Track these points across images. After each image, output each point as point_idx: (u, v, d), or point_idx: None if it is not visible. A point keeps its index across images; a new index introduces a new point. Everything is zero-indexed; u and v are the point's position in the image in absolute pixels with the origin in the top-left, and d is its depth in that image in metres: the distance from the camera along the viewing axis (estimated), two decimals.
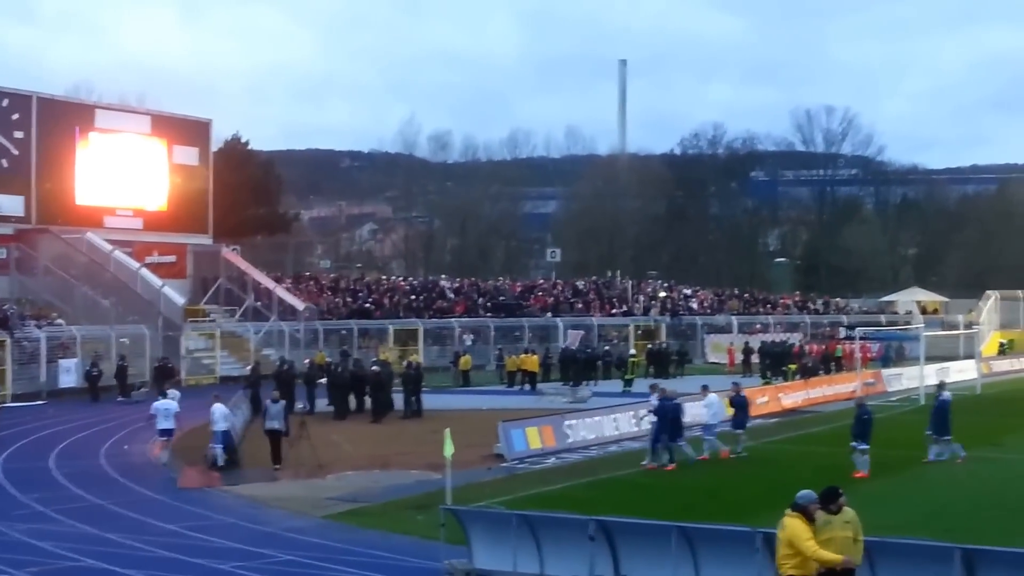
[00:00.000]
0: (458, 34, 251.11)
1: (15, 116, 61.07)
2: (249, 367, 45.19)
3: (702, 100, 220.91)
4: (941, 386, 30.69)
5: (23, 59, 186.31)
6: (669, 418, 28.21)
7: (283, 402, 29.31)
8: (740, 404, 31.16)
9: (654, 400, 29.37)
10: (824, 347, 62.30)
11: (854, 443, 26.47)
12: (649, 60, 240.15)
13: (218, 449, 28.76)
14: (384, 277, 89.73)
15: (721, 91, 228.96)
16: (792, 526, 12.36)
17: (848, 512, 12.59)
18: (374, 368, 41.74)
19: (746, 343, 63.93)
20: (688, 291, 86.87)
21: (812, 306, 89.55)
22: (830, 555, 12.25)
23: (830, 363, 58.70)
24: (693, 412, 32.11)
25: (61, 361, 50.23)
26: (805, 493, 12.62)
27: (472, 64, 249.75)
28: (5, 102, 60.75)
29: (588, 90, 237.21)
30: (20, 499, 24.79)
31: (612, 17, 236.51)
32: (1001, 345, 78.41)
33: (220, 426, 29.20)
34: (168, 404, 30.51)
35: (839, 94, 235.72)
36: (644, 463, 28.15)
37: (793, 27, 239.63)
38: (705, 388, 31.95)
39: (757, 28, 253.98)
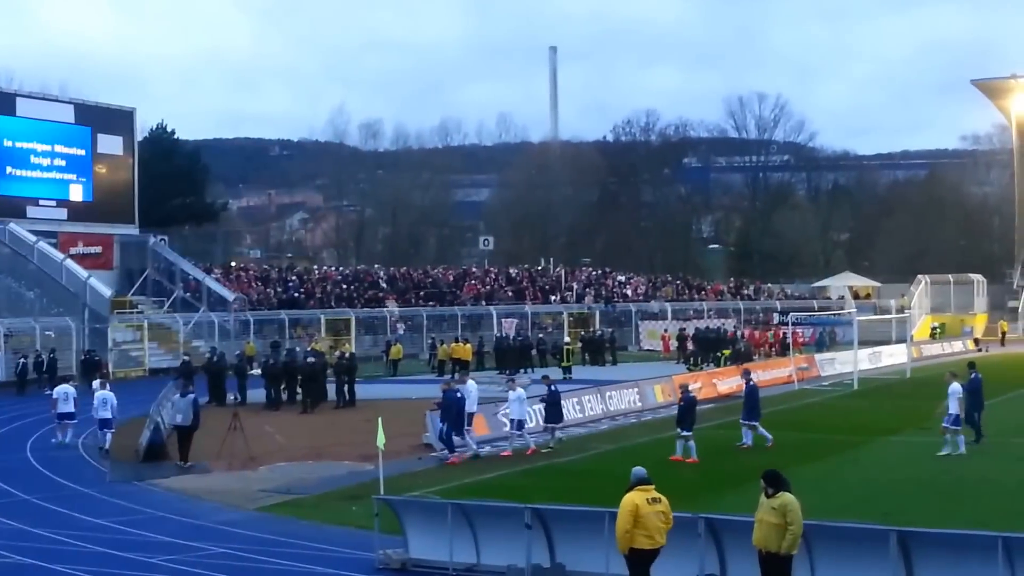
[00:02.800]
0: (396, 20, 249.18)
1: None
2: (183, 359, 44.61)
3: (641, 86, 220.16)
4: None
5: None
6: (455, 411, 27.77)
7: (192, 395, 28.84)
8: (553, 400, 30.06)
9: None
10: (766, 333, 62.74)
11: (679, 429, 26.82)
12: (589, 46, 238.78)
13: (107, 435, 29.80)
14: (315, 267, 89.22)
15: (662, 77, 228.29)
16: (623, 501, 13.51)
17: (781, 498, 12.71)
18: (308, 359, 41.41)
19: (681, 330, 64.12)
20: (622, 278, 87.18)
21: (745, 292, 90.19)
22: (620, 533, 13.45)
23: (772, 348, 59.10)
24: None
25: None
26: (635, 470, 13.89)
27: (408, 50, 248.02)
28: None
29: (524, 77, 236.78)
30: None
31: (552, 2, 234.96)
32: (933, 329, 79.38)
33: (100, 414, 29.92)
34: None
35: (781, 80, 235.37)
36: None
37: (737, 11, 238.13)
38: (545, 378, 31.60)
39: (700, 12, 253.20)
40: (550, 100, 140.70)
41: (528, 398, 29.70)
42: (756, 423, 28.82)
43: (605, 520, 14.81)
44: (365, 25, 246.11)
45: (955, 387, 27.48)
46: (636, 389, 38.40)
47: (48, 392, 45.30)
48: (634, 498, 13.58)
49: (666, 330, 67.66)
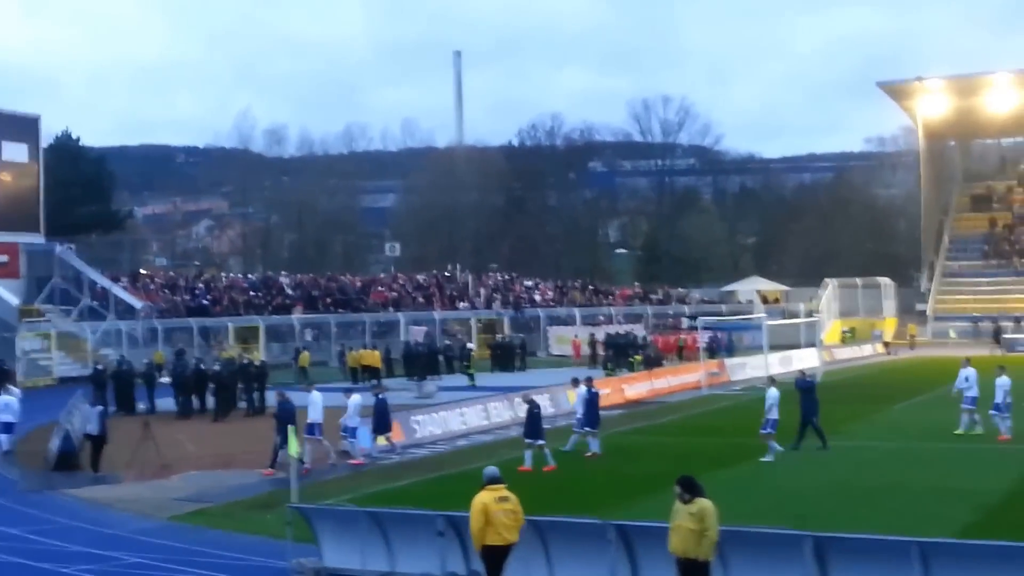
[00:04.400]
0: (302, 23, 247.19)
1: None
2: (95, 368, 44.08)
3: (548, 90, 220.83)
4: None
5: None
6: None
7: (100, 406, 28.71)
8: (380, 409, 29.60)
9: None
10: (672, 339, 63.39)
11: (528, 440, 26.79)
12: (496, 49, 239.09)
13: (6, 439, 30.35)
14: (222, 274, 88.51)
15: (569, 81, 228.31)
16: (473, 501, 14.16)
17: (698, 504, 12.83)
18: (215, 367, 41.28)
19: (591, 335, 64.53)
20: (529, 283, 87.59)
21: (654, 297, 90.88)
22: (474, 532, 14.03)
23: (677, 354, 59.79)
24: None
25: None
26: (487, 469, 14.62)
27: (315, 55, 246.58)
28: None
29: (430, 81, 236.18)
30: None
31: (459, 4, 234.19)
32: (844, 333, 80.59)
33: (2, 417, 30.74)
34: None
35: (691, 82, 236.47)
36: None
37: (648, 12, 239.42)
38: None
39: (611, 14, 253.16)
40: (455, 104, 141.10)
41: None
42: (597, 430, 28.97)
43: (528, 529, 14.86)
44: (272, 29, 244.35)
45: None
46: (548, 394, 38.52)
47: None
48: (483, 497, 14.16)
49: (576, 335, 68.05)
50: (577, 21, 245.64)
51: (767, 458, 26.95)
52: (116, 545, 19.47)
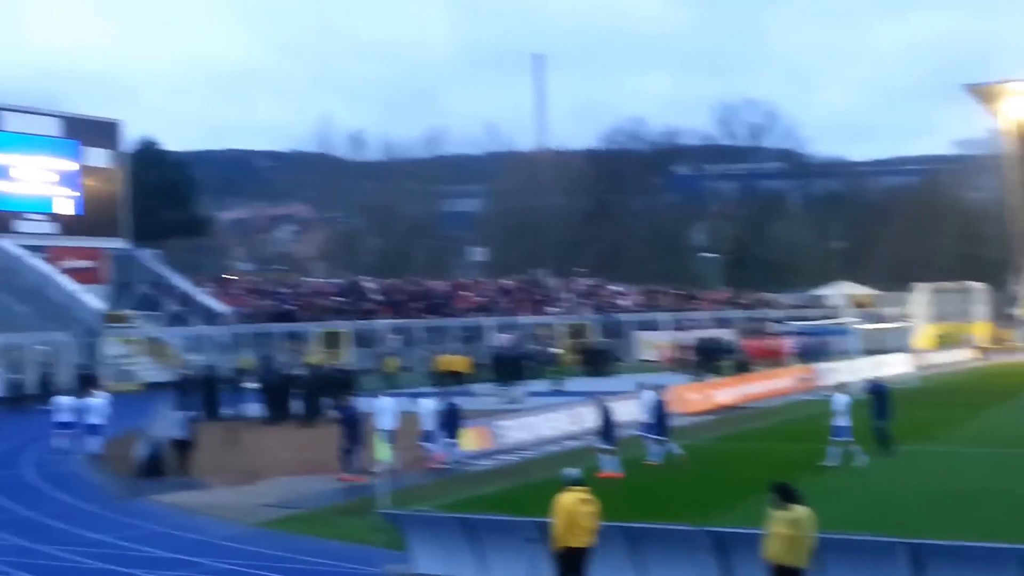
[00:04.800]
0: (384, 27, 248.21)
1: None
2: (184, 372, 44.28)
3: (631, 93, 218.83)
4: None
5: None
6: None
7: (187, 412, 28.74)
8: (450, 414, 29.10)
9: None
10: (762, 343, 62.46)
11: (600, 443, 26.60)
12: (579, 52, 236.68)
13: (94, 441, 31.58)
14: (307, 279, 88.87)
15: (652, 84, 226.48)
16: (556, 502, 14.30)
17: (796, 511, 12.74)
18: (300, 372, 41.26)
19: (679, 339, 63.77)
20: (616, 288, 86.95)
21: (742, 301, 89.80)
22: (555, 533, 14.18)
23: (769, 359, 58.89)
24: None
25: None
26: (569, 471, 14.81)
27: (396, 58, 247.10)
28: None
29: (512, 85, 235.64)
30: None
31: (541, 8, 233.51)
32: (940, 338, 78.91)
33: (90, 420, 32.03)
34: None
35: (775, 85, 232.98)
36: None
37: (731, 16, 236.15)
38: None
39: (693, 17, 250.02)
40: (537, 108, 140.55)
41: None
42: (665, 438, 28.48)
43: (616, 536, 14.80)
44: (352, 34, 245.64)
45: None
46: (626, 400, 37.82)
47: (45, 408, 45.41)
48: (566, 499, 14.29)
49: (665, 340, 67.33)
50: (659, 24, 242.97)
51: (830, 462, 26.42)
52: (204, 551, 19.43)
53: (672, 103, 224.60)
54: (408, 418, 28.71)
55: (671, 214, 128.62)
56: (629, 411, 30.42)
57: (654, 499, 23.16)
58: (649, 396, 29.04)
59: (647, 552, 14.87)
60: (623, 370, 60.09)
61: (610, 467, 25.78)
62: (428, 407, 28.86)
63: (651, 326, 74.86)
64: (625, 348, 70.75)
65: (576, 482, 14.58)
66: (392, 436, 27.75)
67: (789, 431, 34.88)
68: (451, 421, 28.76)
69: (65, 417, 33.73)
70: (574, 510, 14.20)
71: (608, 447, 26.43)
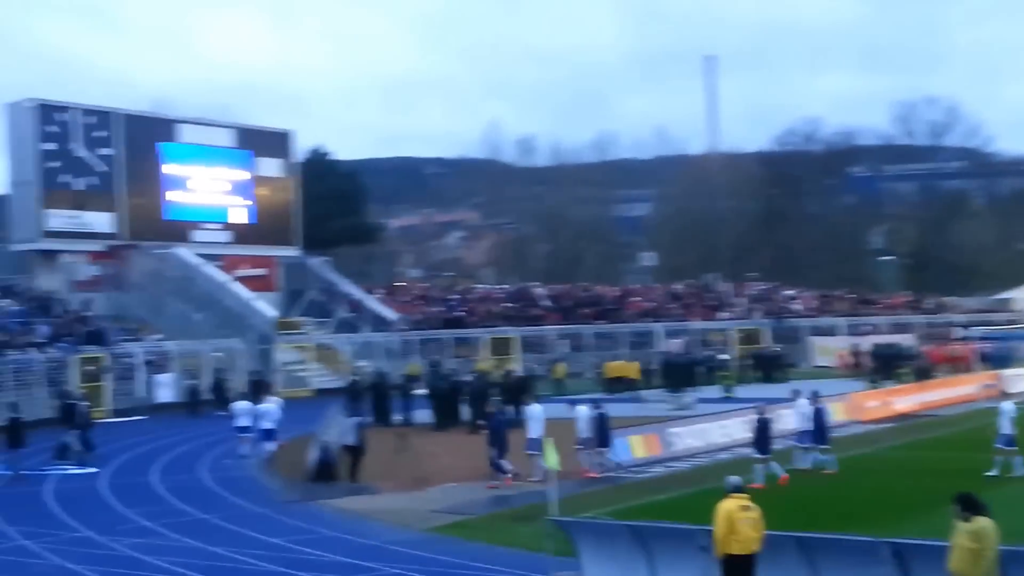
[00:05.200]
0: (551, 31, 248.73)
1: (102, 134, 61.38)
2: (355, 379, 44.75)
3: (805, 93, 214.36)
4: None
5: (111, 73, 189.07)
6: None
7: (357, 418, 28.98)
8: (600, 423, 28.63)
9: None
10: (944, 349, 60.37)
11: (757, 455, 26.13)
12: (750, 53, 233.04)
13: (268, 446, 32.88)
14: (475, 285, 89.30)
15: (826, 83, 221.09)
16: (717, 508, 14.40)
17: (978, 522, 12.24)
18: (469, 378, 41.31)
19: (856, 345, 62.14)
20: (790, 292, 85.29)
21: (922, 306, 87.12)
22: (717, 539, 14.19)
23: (952, 365, 56.90)
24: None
25: (157, 376, 50.33)
26: (730, 478, 15.10)
27: (563, 62, 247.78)
28: (91, 120, 60.98)
29: (681, 87, 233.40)
30: (125, 514, 25.06)
31: (715, 7, 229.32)
32: None
33: (263, 425, 33.31)
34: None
35: (957, 81, 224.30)
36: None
37: (910, 11, 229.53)
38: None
39: (870, 14, 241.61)
40: (707, 110, 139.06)
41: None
42: (826, 446, 27.85)
43: (790, 546, 14.51)
44: (520, 39, 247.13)
45: None
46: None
47: (219, 413, 46.45)
48: (727, 505, 14.37)
49: (841, 346, 65.65)
50: (834, 21, 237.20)
51: (992, 472, 25.45)
52: (374, 556, 19.68)
53: (848, 102, 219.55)
54: (566, 425, 28.40)
55: (847, 216, 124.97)
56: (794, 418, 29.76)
57: (829, 507, 22.79)
58: (804, 404, 28.49)
59: (822, 562, 14.38)
60: (797, 376, 58.66)
61: (759, 478, 25.28)
62: (584, 414, 28.61)
63: (826, 331, 73.07)
64: (799, 354, 69.14)
65: (737, 489, 14.72)
66: (538, 444, 27.59)
67: (971, 440, 33.43)
68: (601, 430, 28.53)
69: (243, 421, 34.70)
70: (734, 517, 14.24)
71: (763, 456, 26.02)
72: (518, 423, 30.88)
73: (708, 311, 76.28)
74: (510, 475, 27.02)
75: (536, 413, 28.56)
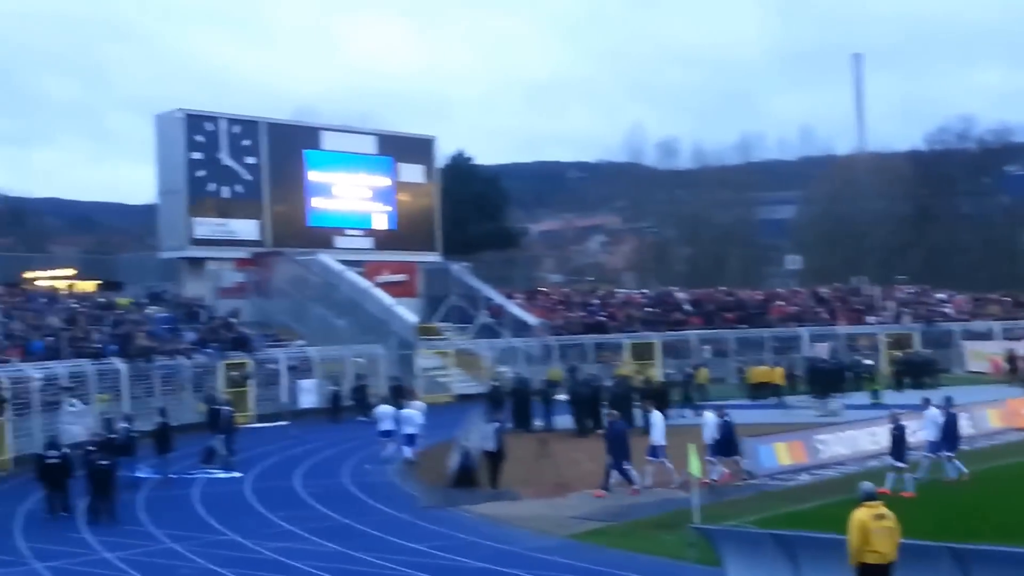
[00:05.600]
0: (693, 32, 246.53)
1: (246, 143, 62.68)
2: (495, 384, 44.74)
3: (957, 90, 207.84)
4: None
5: (256, 83, 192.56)
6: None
7: (498, 423, 28.93)
8: (725, 432, 28.40)
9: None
10: None
11: (892, 462, 25.93)
12: (898, 49, 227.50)
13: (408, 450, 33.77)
14: (616, 289, 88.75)
15: (980, 78, 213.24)
16: (851, 518, 14.43)
17: None
18: (608, 383, 41.04)
19: (1011, 350, 60.15)
20: (941, 296, 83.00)
21: None
22: (852, 549, 14.13)
23: None
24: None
25: (300, 381, 50.99)
26: (863, 485, 15.03)
27: (706, 63, 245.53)
28: (237, 129, 62.33)
29: (827, 86, 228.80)
30: (269, 518, 25.81)
31: (861, 2, 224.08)
32: None
33: (405, 429, 34.26)
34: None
35: None
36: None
37: None
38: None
39: None
40: (855, 109, 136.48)
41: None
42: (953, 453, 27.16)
43: (943, 556, 14.23)
44: (663, 41, 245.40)
45: None
46: (967, 414, 35.73)
47: (360, 419, 46.84)
48: (860, 514, 14.36)
49: (996, 351, 63.58)
50: (988, 13, 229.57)
51: None
52: (515, 562, 20.05)
53: (1004, 98, 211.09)
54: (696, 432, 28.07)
55: (1003, 217, 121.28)
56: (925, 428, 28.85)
57: (977, 517, 22.34)
58: (934, 413, 27.68)
59: (976, 574, 13.99)
60: (949, 382, 57.02)
61: (890, 484, 24.74)
62: (711, 421, 28.27)
63: (980, 335, 70.82)
64: (951, 359, 67.13)
65: (870, 496, 14.66)
66: (663, 452, 27.39)
67: None
68: (727, 438, 28.14)
69: (386, 426, 35.50)
70: (868, 527, 14.18)
71: (900, 465, 25.54)
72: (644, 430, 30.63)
73: (855, 315, 74.55)
74: (637, 486, 26.70)
75: (657, 420, 28.33)
